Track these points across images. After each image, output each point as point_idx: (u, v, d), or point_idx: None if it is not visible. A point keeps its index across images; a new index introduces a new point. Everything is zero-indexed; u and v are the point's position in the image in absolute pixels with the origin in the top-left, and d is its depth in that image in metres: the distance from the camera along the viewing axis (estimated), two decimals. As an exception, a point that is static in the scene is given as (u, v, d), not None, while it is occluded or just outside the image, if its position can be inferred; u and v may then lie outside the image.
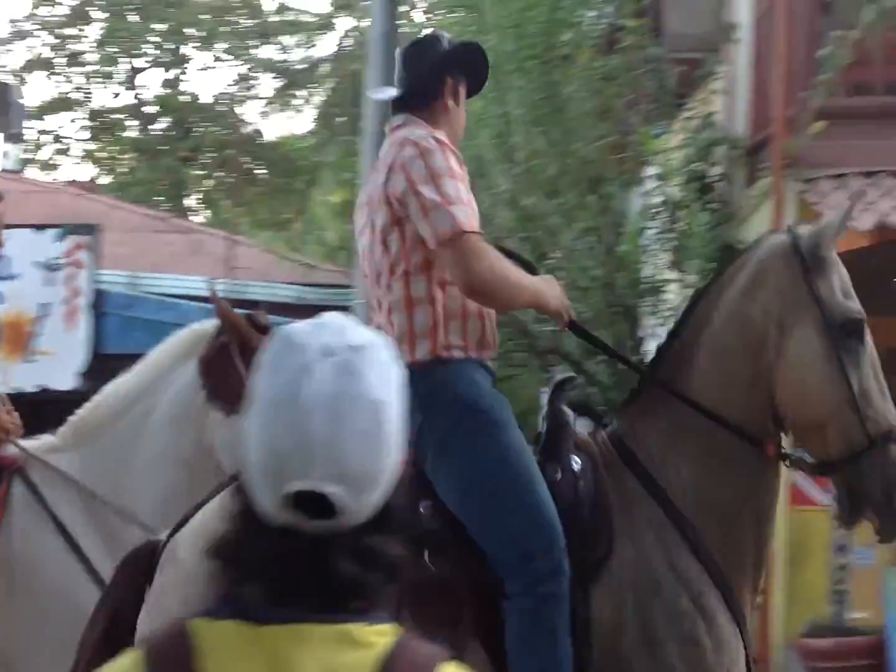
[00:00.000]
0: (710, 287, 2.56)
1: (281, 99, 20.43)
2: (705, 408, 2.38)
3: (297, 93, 20.24)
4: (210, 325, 2.92)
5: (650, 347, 5.68)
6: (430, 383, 2.23)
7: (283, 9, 19.85)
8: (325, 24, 19.60)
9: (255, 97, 20.59)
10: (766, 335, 2.40)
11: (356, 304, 4.82)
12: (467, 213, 2.25)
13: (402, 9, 8.17)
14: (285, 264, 10.53)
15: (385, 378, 1.01)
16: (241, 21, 19.68)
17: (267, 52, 19.98)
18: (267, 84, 20.65)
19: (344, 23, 19.44)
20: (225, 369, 2.75)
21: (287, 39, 19.70)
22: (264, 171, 19.45)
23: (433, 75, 2.42)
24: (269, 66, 19.97)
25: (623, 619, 2.27)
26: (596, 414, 2.67)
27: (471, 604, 2.22)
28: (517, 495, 2.24)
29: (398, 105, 2.48)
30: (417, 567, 2.09)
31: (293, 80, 19.78)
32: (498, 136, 7.18)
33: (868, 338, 2.41)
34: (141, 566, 2.38)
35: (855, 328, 2.39)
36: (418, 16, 13.61)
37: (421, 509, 2.24)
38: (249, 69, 20.16)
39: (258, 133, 20.32)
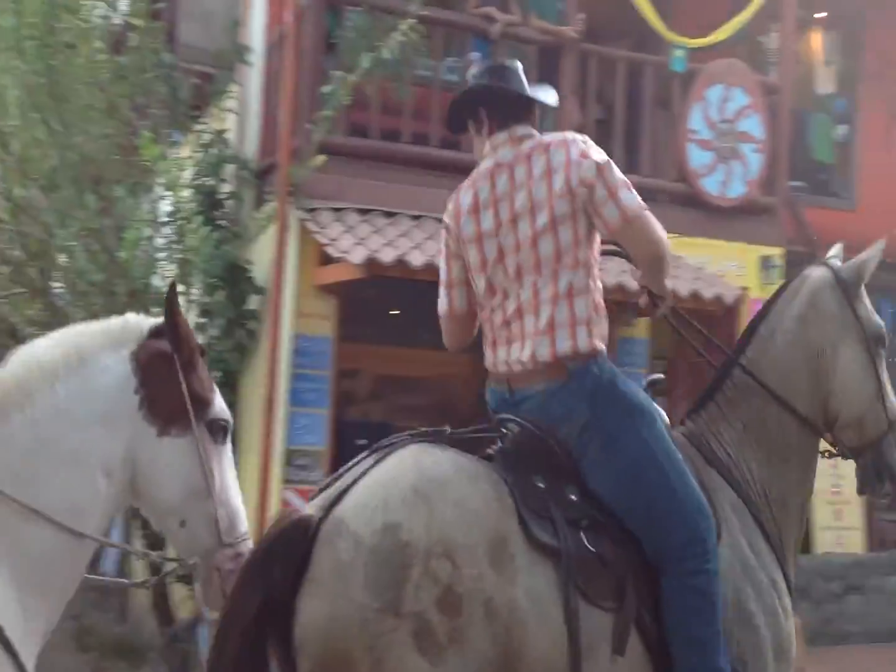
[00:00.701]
0: (768, 313, 3.05)
1: None
2: (784, 400, 2.90)
3: None
4: (146, 321, 2.53)
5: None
6: (595, 379, 2.52)
7: None
8: None
9: None
10: (822, 351, 2.97)
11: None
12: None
13: None
14: None
15: None
16: None
17: None
18: None
19: None
20: (166, 382, 2.41)
21: None
22: None
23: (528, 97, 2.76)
24: None
25: (725, 596, 2.53)
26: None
27: (631, 580, 2.40)
28: (682, 484, 2.53)
29: (509, 116, 2.70)
30: (579, 546, 2.35)
31: None
32: (-8, 117, 6.54)
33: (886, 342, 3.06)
34: (295, 544, 2.25)
35: (882, 337, 3.03)
36: None
37: (573, 496, 2.45)
38: None
39: None
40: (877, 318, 3.08)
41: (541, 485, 2.44)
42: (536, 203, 2.58)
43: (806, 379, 2.97)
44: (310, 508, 2.39)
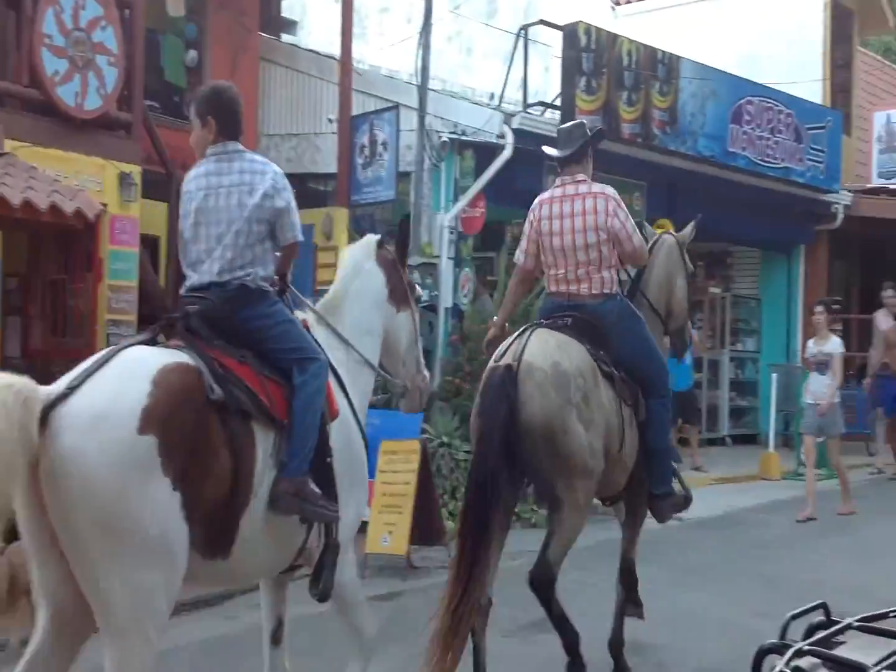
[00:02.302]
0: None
1: None
2: (654, 307, 5.36)
3: None
4: (374, 238, 4.35)
5: None
6: (620, 304, 4.92)
7: None
8: None
9: None
10: (670, 279, 5.45)
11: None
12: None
13: None
14: None
15: None
16: None
17: None
18: None
19: None
20: (397, 277, 4.28)
21: None
22: None
23: (586, 146, 4.98)
24: None
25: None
26: None
27: (637, 395, 4.80)
28: (656, 353, 5.03)
29: (568, 160, 4.95)
30: (618, 376, 4.68)
31: None
32: None
33: None
34: (511, 377, 4.38)
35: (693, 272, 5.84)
36: None
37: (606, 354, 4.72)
38: None
39: None
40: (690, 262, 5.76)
41: (591, 347, 4.68)
42: (588, 226, 4.83)
43: (665, 294, 5.46)
44: (503, 360, 4.48)
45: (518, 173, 10.66)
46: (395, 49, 12.44)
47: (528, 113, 10.90)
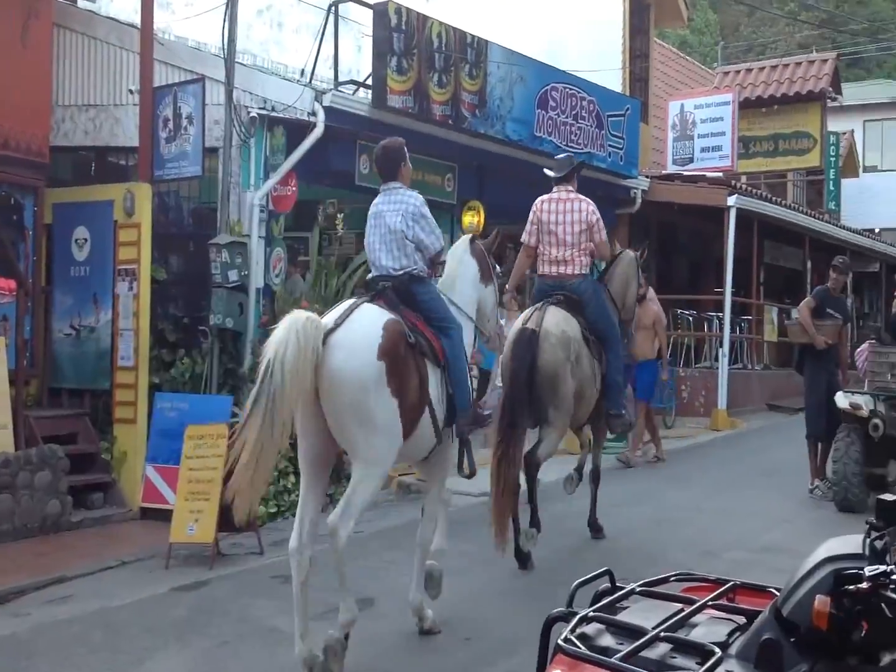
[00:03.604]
0: (614, 263, 7.99)
1: None
2: (613, 298, 7.75)
3: None
4: (467, 236, 6.29)
5: None
6: (592, 283, 7.41)
7: None
8: None
9: None
10: (627, 279, 7.99)
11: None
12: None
13: None
14: None
15: None
16: None
17: None
18: None
19: None
20: (485, 263, 6.08)
21: None
22: None
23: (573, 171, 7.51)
24: None
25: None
26: None
27: (603, 352, 7.23)
28: (614, 318, 7.55)
29: (559, 180, 7.41)
30: (591, 339, 7.10)
31: None
32: None
33: None
34: (534, 338, 6.73)
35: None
36: None
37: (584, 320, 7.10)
38: None
39: None
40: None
41: (577, 316, 7.01)
42: (577, 219, 7.23)
43: (622, 290, 7.86)
44: (528, 325, 6.80)
45: (331, 152, 10.56)
46: (202, 20, 12.01)
47: (340, 91, 10.80)
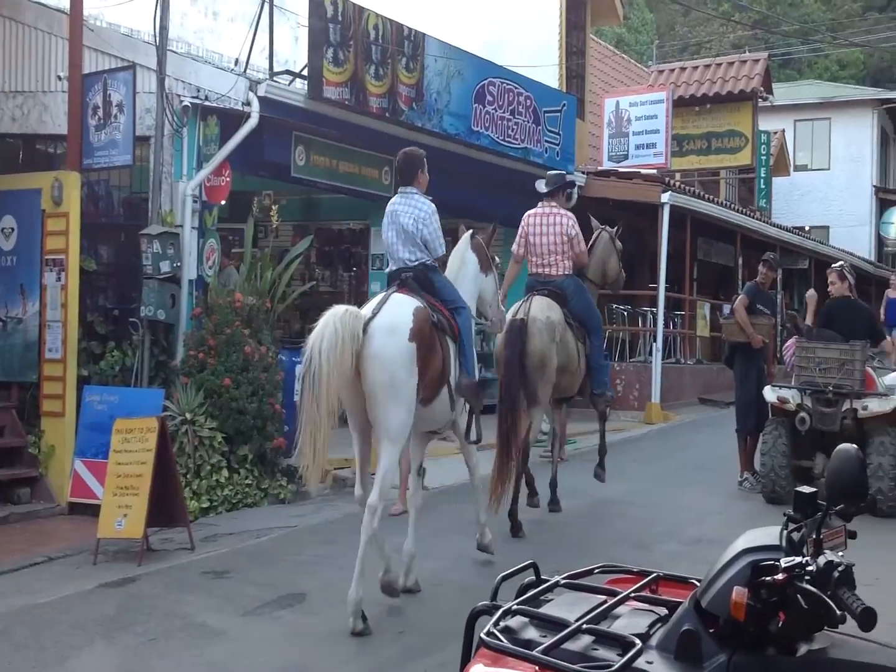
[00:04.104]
0: (594, 245, 9.12)
1: None
2: (593, 280, 8.96)
3: None
4: (468, 233, 6.95)
5: None
6: (574, 281, 8.28)
7: None
8: None
9: None
10: (607, 257, 9.15)
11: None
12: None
13: None
14: None
15: None
16: None
17: None
18: None
19: None
20: (483, 256, 6.86)
21: None
22: None
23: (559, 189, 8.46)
24: None
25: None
26: None
27: (586, 336, 8.27)
28: (595, 308, 8.62)
29: (548, 194, 8.36)
30: (574, 325, 8.09)
31: None
32: None
33: None
34: (524, 325, 7.68)
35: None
36: None
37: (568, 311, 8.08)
38: None
39: None
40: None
41: (561, 305, 8.04)
42: (557, 231, 8.21)
43: (601, 269, 9.06)
44: (518, 315, 7.77)
45: (266, 143, 10.44)
46: (134, 7, 11.78)
47: (275, 82, 10.68)
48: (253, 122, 9.87)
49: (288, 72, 11.29)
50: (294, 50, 12.84)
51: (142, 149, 9.76)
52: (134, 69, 9.44)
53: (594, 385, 8.39)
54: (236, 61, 10.91)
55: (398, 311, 5.74)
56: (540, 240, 8.22)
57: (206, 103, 9.86)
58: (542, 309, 7.85)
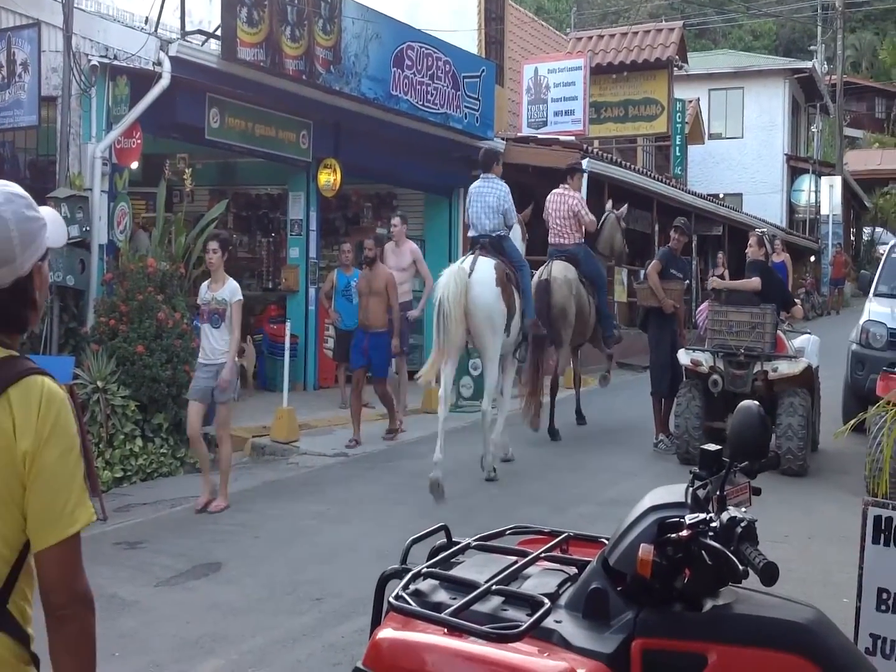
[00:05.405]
0: (601, 226, 11.40)
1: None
2: (602, 253, 11.40)
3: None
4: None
5: None
6: (584, 248, 10.65)
7: None
8: None
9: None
10: (613, 235, 11.46)
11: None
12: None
13: None
14: None
15: None
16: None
17: None
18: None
19: None
20: (523, 226, 9.80)
21: None
22: None
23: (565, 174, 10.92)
24: None
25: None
26: None
27: (595, 289, 10.70)
28: (603, 271, 11.29)
29: (565, 178, 10.84)
30: (584, 286, 10.46)
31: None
32: None
33: None
34: (548, 283, 9.98)
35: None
36: None
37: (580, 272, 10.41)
38: None
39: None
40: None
41: (575, 266, 10.39)
42: (566, 208, 10.49)
43: (609, 245, 11.44)
44: (542, 276, 10.16)
45: (179, 104, 10.17)
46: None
47: (188, 41, 10.39)
48: (164, 82, 9.60)
49: (201, 31, 10.99)
50: (208, 10, 12.48)
51: (48, 109, 9.42)
52: (39, 27, 9.09)
53: (605, 328, 10.92)
54: (146, 20, 10.57)
55: (485, 268, 8.21)
56: (556, 215, 10.48)
57: (116, 63, 9.56)
58: (560, 270, 10.11)
